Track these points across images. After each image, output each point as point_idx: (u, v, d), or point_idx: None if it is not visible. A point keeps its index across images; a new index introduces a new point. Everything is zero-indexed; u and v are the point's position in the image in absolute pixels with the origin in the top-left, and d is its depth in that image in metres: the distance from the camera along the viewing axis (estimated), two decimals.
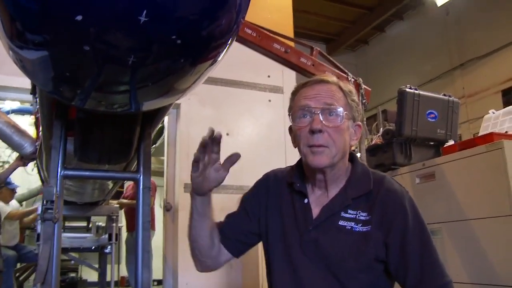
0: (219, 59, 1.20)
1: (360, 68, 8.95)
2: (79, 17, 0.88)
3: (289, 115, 1.42)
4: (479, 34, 6.89)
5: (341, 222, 1.34)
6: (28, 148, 3.54)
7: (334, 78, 1.43)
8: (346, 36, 9.00)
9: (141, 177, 1.62)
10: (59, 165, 1.52)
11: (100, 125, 1.46)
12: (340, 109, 1.33)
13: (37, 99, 2.32)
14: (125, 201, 5.71)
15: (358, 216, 1.35)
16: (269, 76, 5.69)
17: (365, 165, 1.49)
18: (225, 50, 1.18)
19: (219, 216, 5.24)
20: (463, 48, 7.19)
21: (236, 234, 1.53)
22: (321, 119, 1.31)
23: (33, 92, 1.90)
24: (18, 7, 0.92)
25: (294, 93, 1.43)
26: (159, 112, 1.63)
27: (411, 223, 1.32)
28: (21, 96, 5.26)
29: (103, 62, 0.99)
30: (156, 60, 1.03)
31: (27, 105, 6.89)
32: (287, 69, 5.60)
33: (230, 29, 1.11)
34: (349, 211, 1.35)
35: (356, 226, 1.33)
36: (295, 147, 1.40)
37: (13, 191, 5.67)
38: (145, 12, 0.88)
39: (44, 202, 1.46)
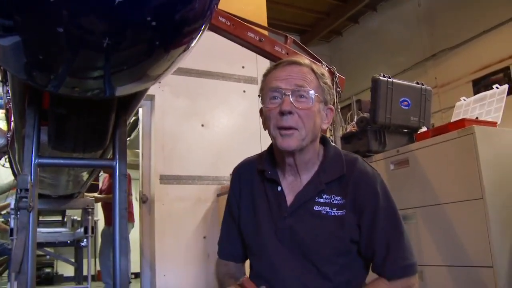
0: (192, 45, 1.20)
1: (335, 59, 9.00)
2: None
3: (259, 96, 1.41)
4: (450, 25, 7.00)
5: (316, 208, 1.34)
6: None
7: (306, 60, 1.41)
8: (320, 27, 9.02)
9: (117, 164, 1.60)
10: (33, 153, 1.50)
11: (75, 112, 1.44)
12: (311, 91, 1.32)
13: (8, 89, 2.27)
14: (100, 196, 5.65)
15: (333, 200, 1.35)
16: (243, 67, 5.69)
17: (337, 148, 1.48)
18: (198, 36, 1.18)
19: (196, 205, 5.24)
20: (435, 39, 7.30)
21: (236, 243, 1.51)
22: (291, 100, 1.30)
23: (3, 80, 1.86)
24: None
25: (266, 75, 1.41)
26: (134, 99, 1.61)
27: (381, 205, 1.34)
28: None
29: (77, 44, 0.98)
30: (130, 43, 1.02)
31: None
32: (262, 59, 5.60)
33: (204, 14, 1.11)
34: (324, 196, 1.35)
35: (332, 211, 1.33)
36: (265, 130, 1.39)
37: None
38: None
39: (19, 191, 1.43)
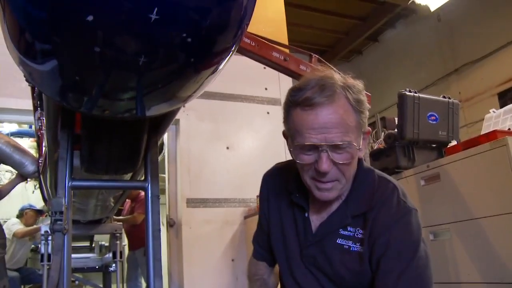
0: (221, 67, 1.20)
1: (355, 79, 8.98)
2: (90, 17, 0.88)
3: (285, 132, 1.25)
4: (472, 39, 6.95)
5: (339, 241, 1.27)
6: (29, 166, 3.54)
7: (336, 82, 1.18)
8: (339, 47, 9.06)
9: (149, 185, 1.61)
10: (67, 175, 1.52)
11: (108, 133, 1.46)
12: (353, 144, 1.15)
13: (39, 115, 2.32)
14: (120, 217, 5.68)
15: (357, 234, 1.27)
16: (266, 89, 5.72)
17: (372, 171, 1.33)
18: (228, 57, 1.18)
19: (223, 228, 5.24)
20: (456, 53, 7.25)
21: (267, 247, 1.50)
22: (330, 155, 1.14)
23: (36, 106, 1.90)
24: (27, 17, 0.92)
25: (290, 107, 1.21)
26: (164, 121, 1.63)
27: (395, 240, 1.21)
28: (19, 118, 5.27)
29: (113, 63, 0.99)
30: (165, 61, 1.03)
31: (25, 127, 6.92)
32: (284, 80, 5.66)
33: (235, 34, 1.11)
34: (349, 228, 1.27)
35: (354, 246, 1.26)
36: (292, 155, 1.24)
37: (36, 213, 5.66)
38: (156, 9, 0.88)
39: (53, 213, 1.45)
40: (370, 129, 1.32)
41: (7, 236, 4.85)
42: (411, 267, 1.17)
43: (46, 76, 1.11)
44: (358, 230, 1.26)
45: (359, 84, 1.25)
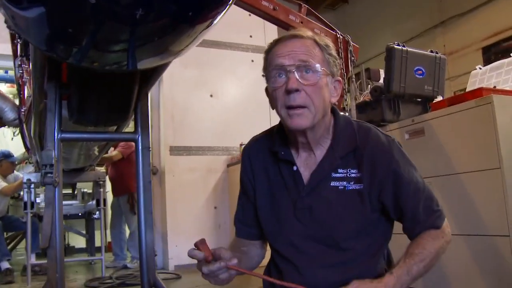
0: (216, 21, 1.18)
1: (340, 27, 8.79)
2: None
3: (263, 75, 1.34)
4: None
5: (333, 183, 1.32)
6: (9, 112, 3.47)
7: (309, 32, 1.33)
8: None
9: (140, 137, 1.59)
10: (56, 128, 1.49)
11: (99, 85, 1.42)
12: (317, 65, 1.26)
13: (20, 62, 2.25)
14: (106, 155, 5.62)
15: (349, 174, 1.32)
16: (251, 36, 5.63)
17: (348, 117, 1.43)
18: (225, 10, 1.15)
19: (206, 176, 5.27)
20: (444, 5, 7.17)
21: (252, 222, 1.49)
22: (297, 77, 1.24)
23: (21, 54, 1.83)
24: None
25: (268, 52, 1.34)
26: (156, 72, 1.59)
27: (402, 175, 1.31)
28: None
29: (109, 14, 0.95)
30: (162, 15, 1.00)
31: (0, 72, 6.71)
32: (269, 28, 5.56)
33: None
34: (339, 170, 1.32)
35: (349, 185, 1.31)
36: (273, 109, 1.33)
37: (13, 163, 5.56)
38: None
39: (43, 166, 1.43)
40: (341, 80, 1.39)
41: None
42: (422, 189, 1.33)
43: (33, 23, 1.07)
44: (349, 170, 1.32)
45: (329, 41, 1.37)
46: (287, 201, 1.36)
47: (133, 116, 1.78)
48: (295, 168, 1.36)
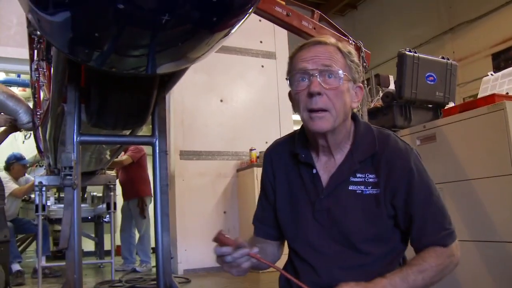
0: (234, 30, 1.21)
1: (349, 33, 8.83)
2: None
3: (286, 79, 1.38)
4: None
5: (351, 187, 1.34)
6: (23, 115, 3.51)
7: (332, 39, 1.37)
8: (334, 0, 8.90)
9: (157, 140, 1.61)
10: (75, 130, 1.51)
11: (120, 89, 1.44)
12: (339, 71, 1.30)
13: (37, 66, 2.28)
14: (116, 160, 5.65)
15: (367, 179, 1.34)
16: (261, 42, 5.65)
17: (368, 124, 1.46)
18: (243, 20, 1.18)
19: (216, 180, 5.29)
20: (453, 12, 7.16)
21: (271, 223, 1.51)
22: (319, 81, 1.28)
23: (44, 58, 1.86)
24: None
25: (292, 57, 1.38)
26: (174, 77, 1.61)
27: (416, 181, 1.32)
28: (6, 67, 5.16)
29: (135, 20, 0.97)
30: (187, 21, 1.02)
31: (12, 76, 6.78)
32: (279, 34, 5.59)
33: None
34: (358, 175, 1.35)
35: (366, 189, 1.33)
36: (296, 112, 1.37)
37: (24, 166, 5.61)
38: None
39: (63, 168, 1.45)
40: (362, 86, 1.43)
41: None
42: (433, 199, 1.33)
43: (60, 27, 1.09)
44: (367, 175, 1.35)
45: (352, 48, 1.41)
46: (306, 203, 1.39)
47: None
48: (314, 171, 1.39)
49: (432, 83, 3.06)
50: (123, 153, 5.81)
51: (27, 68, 3.50)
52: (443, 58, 3.15)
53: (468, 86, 6.38)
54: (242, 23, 1.19)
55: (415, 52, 3.01)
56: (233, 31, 1.20)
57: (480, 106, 2.50)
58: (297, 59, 1.34)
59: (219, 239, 1.21)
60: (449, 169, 2.63)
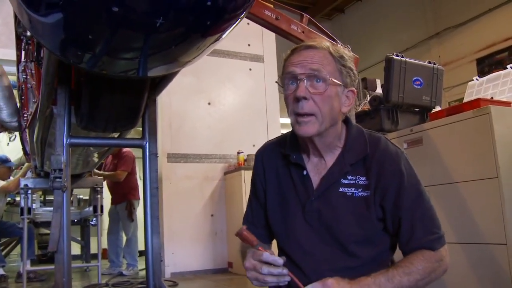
0: (225, 35, 1.22)
1: (336, 37, 8.93)
2: None
3: (276, 82, 1.39)
4: (455, 4, 6.96)
5: (341, 189, 1.35)
6: (5, 115, 3.46)
7: (325, 43, 1.36)
8: (322, 5, 8.95)
9: (147, 143, 1.61)
10: (65, 133, 1.51)
11: (111, 91, 1.44)
12: (326, 75, 1.29)
13: (24, 68, 2.27)
14: (102, 172, 5.64)
15: (358, 181, 1.35)
16: (249, 45, 5.66)
17: (360, 127, 1.46)
18: (235, 24, 1.19)
19: (203, 183, 5.28)
20: (439, 17, 7.25)
21: (261, 224, 1.52)
22: (306, 86, 1.28)
23: (32, 59, 1.84)
24: None
25: (285, 60, 1.38)
26: (165, 79, 1.61)
27: (405, 184, 1.33)
28: None
29: (129, 23, 0.97)
30: (181, 24, 1.02)
31: None
32: (267, 37, 5.60)
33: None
34: (349, 177, 1.35)
35: (357, 191, 1.34)
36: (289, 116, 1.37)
37: (10, 169, 5.54)
38: None
39: (52, 171, 1.44)
40: (355, 90, 1.41)
41: None
42: (422, 202, 1.34)
43: (51, 29, 1.09)
44: (358, 177, 1.35)
45: (346, 51, 1.39)
46: (296, 204, 1.39)
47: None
48: (305, 172, 1.40)
49: (419, 87, 3.10)
50: (110, 156, 5.79)
51: (12, 69, 3.47)
52: (429, 62, 3.19)
53: (453, 90, 6.47)
54: (234, 27, 1.19)
55: (403, 57, 3.05)
56: (224, 35, 1.21)
57: (465, 110, 2.55)
58: (288, 62, 1.35)
59: (243, 236, 1.23)
60: (436, 172, 2.66)
